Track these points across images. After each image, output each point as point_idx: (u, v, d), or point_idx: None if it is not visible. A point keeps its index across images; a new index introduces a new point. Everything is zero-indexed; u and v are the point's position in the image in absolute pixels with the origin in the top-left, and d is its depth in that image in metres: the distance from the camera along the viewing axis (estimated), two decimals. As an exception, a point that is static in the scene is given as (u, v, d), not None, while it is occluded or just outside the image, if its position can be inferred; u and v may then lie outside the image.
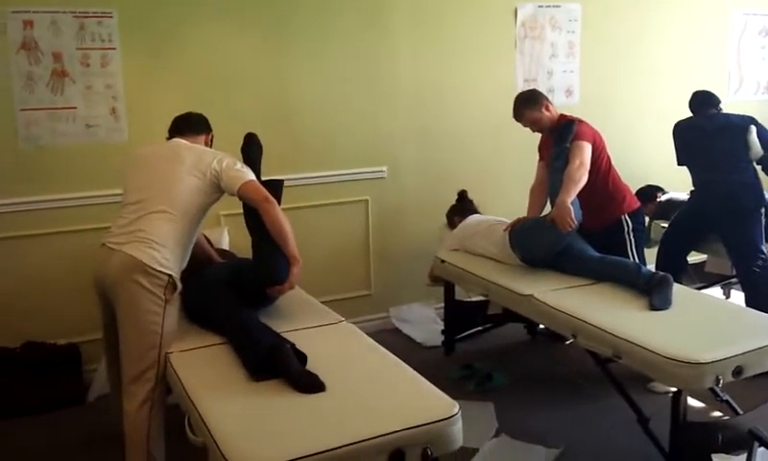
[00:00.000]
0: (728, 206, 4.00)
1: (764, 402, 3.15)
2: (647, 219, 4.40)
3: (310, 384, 2.29)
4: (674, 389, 2.76)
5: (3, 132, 3.50)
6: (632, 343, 2.67)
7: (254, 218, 2.78)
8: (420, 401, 2.20)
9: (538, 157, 3.94)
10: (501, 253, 3.71)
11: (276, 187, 2.87)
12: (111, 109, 3.68)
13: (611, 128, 4.12)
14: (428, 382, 2.33)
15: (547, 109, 3.72)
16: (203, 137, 3.03)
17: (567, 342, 3.92)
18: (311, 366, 2.40)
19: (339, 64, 4.19)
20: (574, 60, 4.91)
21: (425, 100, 4.47)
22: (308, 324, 2.88)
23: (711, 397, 2.90)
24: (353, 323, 3.00)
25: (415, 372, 2.41)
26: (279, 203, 2.81)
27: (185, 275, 2.80)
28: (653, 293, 3.08)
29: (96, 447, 3.18)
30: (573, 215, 3.29)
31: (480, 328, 4.31)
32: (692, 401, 3.19)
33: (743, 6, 5.44)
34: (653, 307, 3.01)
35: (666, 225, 4.39)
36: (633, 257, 3.66)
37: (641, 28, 5.07)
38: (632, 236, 3.71)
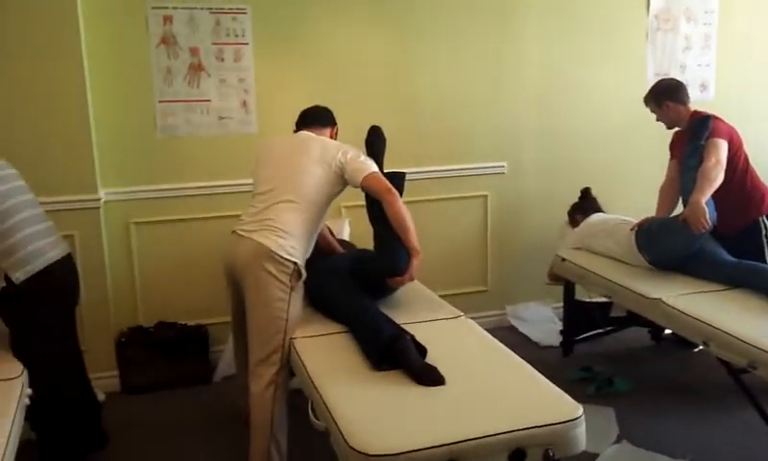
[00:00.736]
0: None
1: None
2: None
3: (430, 377, 2.28)
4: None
5: (143, 122, 3.71)
6: (770, 353, 2.51)
7: (377, 209, 2.82)
8: (543, 402, 2.15)
9: (669, 156, 3.76)
10: (626, 253, 3.58)
11: (398, 179, 2.89)
12: (242, 102, 3.83)
13: (748, 125, 3.88)
14: (551, 383, 2.28)
15: (685, 104, 3.56)
16: (328, 130, 3.10)
17: (696, 349, 3.74)
18: (430, 359, 2.40)
19: (463, 58, 4.17)
20: (710, 54, 4.67)
21: (550, 94, 4.39)
22: (427, 317, 2.88)
23: None
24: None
25: (536, 371, 2.37)
26: (401, 195, 2.83)
27: (309, 263, 2.87)
28: (794, 302, 2.89)
29: (220, 425, 3.32)
30: (708, 216, 3.12)
31: (601, 331, 4.17)
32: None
33: None
34: (793, 318, 2.82)
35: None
36: (771, 263, 3.44)
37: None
38: (770, 240, 3.50)
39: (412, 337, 2.48)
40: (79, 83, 3.43)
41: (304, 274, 2.79)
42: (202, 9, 3.69)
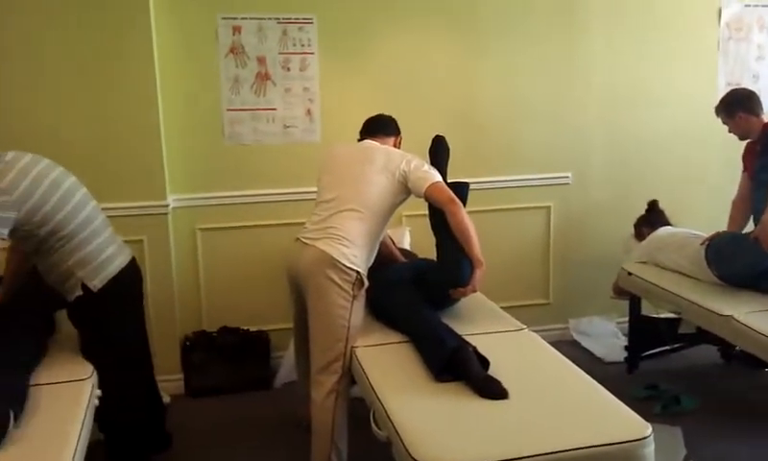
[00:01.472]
0: None
1: None
2: None
3: (493, 390, 2.26)
4: None
5: (211, 130, 3.79)
6: None
7: (440, 219, 2.81)
8: (610, 419, 2.11)
9: (742, 168, 3.65)
10: (695, 268, 3.48)
11: (461, 190, 2.88)
12: (307, 111, 3.88)
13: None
14: (618, 400, 2.23)
15: (758, 115, 3.45)
16: (392, 139, 3.10)
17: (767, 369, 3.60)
18: (493, 372, 2.38)
19: (528, 65, 4.14)
20: (784, 64, 4.52)
21: (617, 103, 4.30)
22: (489, 329, 2.85)
23: None
24: (529, 332, 2.95)
25: (603, 388, 2.32)
26: (465, 205, 2.81)
27: (371, 272, 2.88)
28: None
29: (281, 431, 3.36)
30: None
31: (668, 348, 4.06)
32: None
33: None
34: None
35: None
36: None
37: None
38: None
39: (474, 349, 2.46)
40: (150, 92, 3.53)
41: (366, 282, 2.79)
42: (270, 19, 3.75)
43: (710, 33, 4.40)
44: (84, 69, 3.45)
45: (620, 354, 4.07)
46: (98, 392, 2.51)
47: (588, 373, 2.45)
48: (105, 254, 2.59)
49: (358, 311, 2.78)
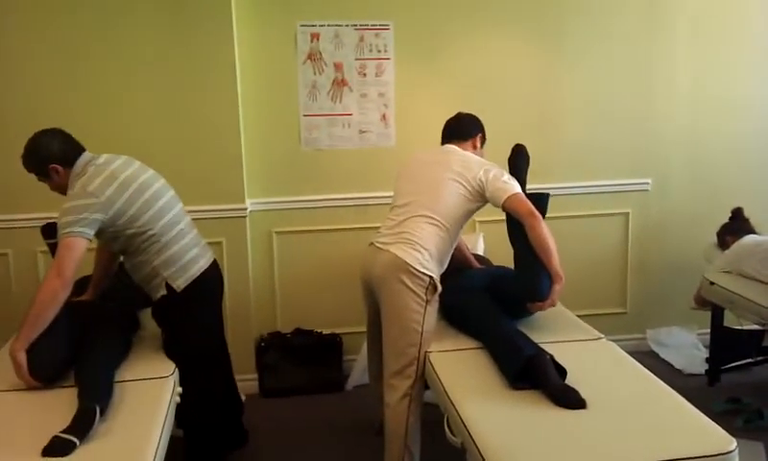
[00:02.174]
0: None
1: None
2: None
3: (570, 399, 2.22)
4: None
5: (289, 136, 3.86)
6: None
7: (518, 231, 2.75)
8: (693, 432, 2.04)
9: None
10: (783, 279, 3.35)
11: (542, 200, 2.82)
12: (382, 116, 3.90)
13: None
14: (699, 412, 2.16)
15: None
16: (470, 141, 3.04)
17: None
18: (570, 381, 2.34)
19: (607, 68, 4.07)
20: None
21: (700, 108, 4.18)
22: (566, 337, 2.80)
23: None
24: (605, 341, 2.88)
25: (684, 399, 2.25)
26: (544, 216, 2.75)
27: (445, 277, 2.87)
28: None
29: (353, 433, 3.39)
30: None
31: (751, 360, 3.92)
32: None
33: None
34: None
35: None
36: None
37: None
38: None
39: (551, 357, 2.43)
40: (231, 98, 3.63)
41: (440, 288, 2.78)
42: (347, 25, 3.80)
43: (799, 35, 4.22)
44: (170, 80, 3.59)
45: (701, 366, 3.96)
46: (179, 389, 2.58)
47: (667, 384, 2.39)
48: (189, 256, 2.67)
49: (431, 316, 2.78)
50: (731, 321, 3.83)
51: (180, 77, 3.58)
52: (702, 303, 3.85)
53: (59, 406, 2.22)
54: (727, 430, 2.04)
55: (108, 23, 3.50)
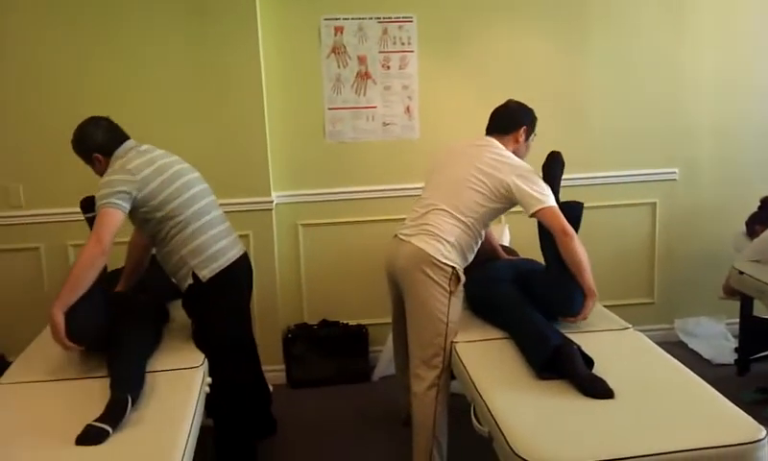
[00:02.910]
0: None
1: None
2: None
3: (598, 389, 2.21)
4: None
5: (313, 129, 3.88)
6: None
7: (550, 242, 2.71)
8: (722, 420, 2.03)
9: None
10: (814, 268, 3.30)
11: (575, 212, 2.76)
12: (406, 108, 3.91)
13: None
14: (728, 401, 2.15)
15: None
16: (512, 136, 2.92)
17: None
18: (597, 371, 2.33)
19: (633, 56, 4.03)
20: None
21: (728, 96, 4.13)
22: (593, 327, 2.79)
23: None
24: (633, 332, 2.87)
25: (713, 389, 2.24)
26: (578, 228, 2.71)
27: (472, 267, 2.87)
28: None
29: (379, 423, 3.42)
30: None
31: (781, 350, 3.88)
32: None
33: None
34: None
35: None
36: None
37: None
38: None
39: (578, 347, 2.42)
40: (257, 94, 3.66)
41: (463, 278, 2.77)
42: (370, 18, 3.80)
43: (831, 19, 4.15)
44: (196, 77, 3.64)
45: (729, 356, 3.92)
46: (209, 380, 2.62)
47: (695, 374, 2.38)
48: (216, 246, 2.71)
49: (456, 307, 2.77)
50: (760, 310, 3.79)
51: (206, 74, 3.62)
52: (731, 292, 3.80)
53: (91, 396, 2.27)
54: (756, 420, 2.03)
55: (133, 23, 3.55)
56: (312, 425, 3.47)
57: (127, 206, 2.52)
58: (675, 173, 4.17)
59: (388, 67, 3.86)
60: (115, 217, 2.47)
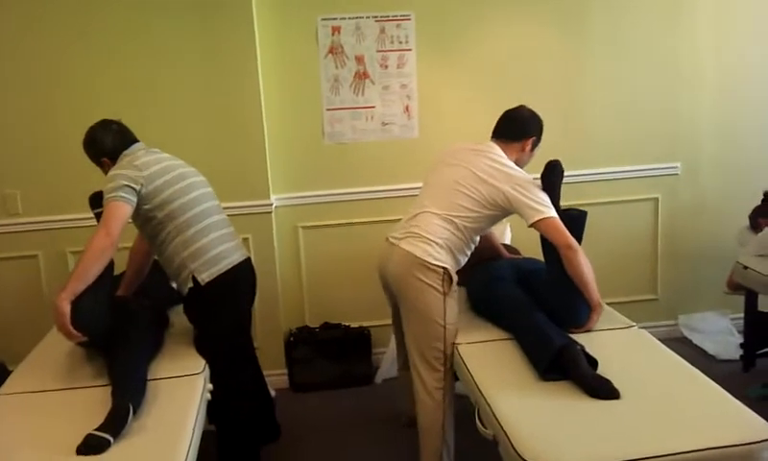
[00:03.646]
0: None
1: None
2: None
3: (603, 389, 2.19)
4: None
5: (312, 130, 3.85)
6: None
7: (553, 254, 2.67)
8: (729, 420, 2.01)
9: None
10: (819, 262, 3.27)
11: (578, 222, 2.71)
12: (405, 108, 3.88)
13: None
14: (735, 399, 2.13)
15: None
16: (519, 144, 2.86)
17: None
18: (602, 371, 2.31)
19: (633, 51, 3.99)
20: None
21: (729, 90, 4.10)
22: (597, 326, 2.76)
23: None
24: (637, 329, 2.84)
25: (719, 387, 2.21)
26: (581, 239, 2.67)
27: (473, 268, 2.84)
28: None
29: (383, 426, 3.39)
30: None
31: (787, 345, 3.85)
32: None
33: None
34: None
35: None
36: None
37: None
38: None
39: (582, 348, 2.40)
40: (254, 95, 3.63)
41: (456, 278, 2.73)
42: (367, 17, 3.77)
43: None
44: (193, 79, 3.60)
45: (735, 352, 3.91)
46: (210, 386, 2.59)
47: (700, 371, 2.35)
48: (217, 250, 2.69)
49: (452, 308, 2.73)
50: (766, 305, 3.77)
51: (203, 76, 3.59)
52: (735, 287, 3.78)
53: (92, 405, 2.25)
54: (763, 417, 2.01)
55: (133, 24, 3.52)
56: (315, 429, 3.45)
57: (134, 199, 2.53)
58: (677, 168, 4.14)
59: (386, 67, 3.83)
60: (123, 210, 2.48)
